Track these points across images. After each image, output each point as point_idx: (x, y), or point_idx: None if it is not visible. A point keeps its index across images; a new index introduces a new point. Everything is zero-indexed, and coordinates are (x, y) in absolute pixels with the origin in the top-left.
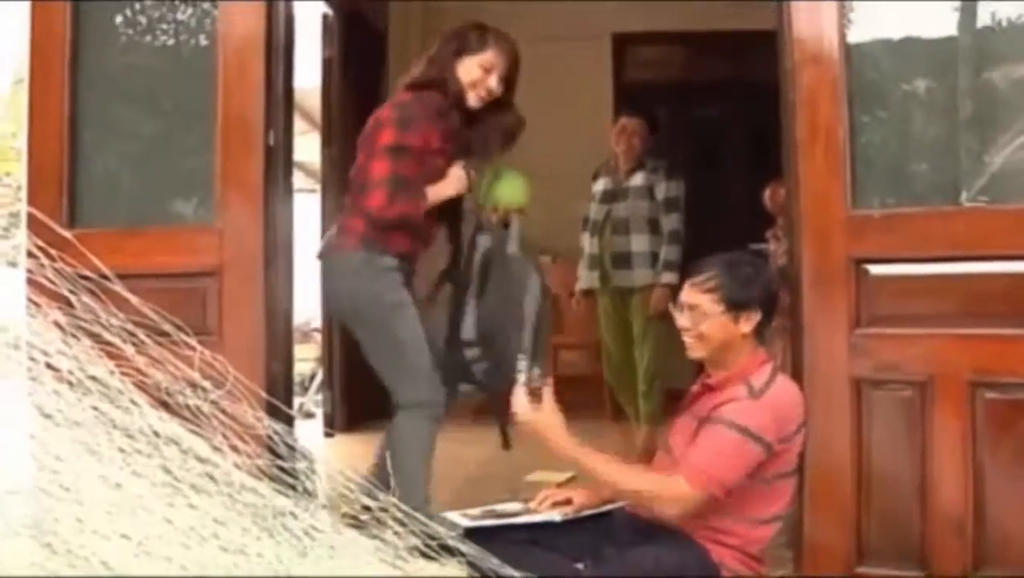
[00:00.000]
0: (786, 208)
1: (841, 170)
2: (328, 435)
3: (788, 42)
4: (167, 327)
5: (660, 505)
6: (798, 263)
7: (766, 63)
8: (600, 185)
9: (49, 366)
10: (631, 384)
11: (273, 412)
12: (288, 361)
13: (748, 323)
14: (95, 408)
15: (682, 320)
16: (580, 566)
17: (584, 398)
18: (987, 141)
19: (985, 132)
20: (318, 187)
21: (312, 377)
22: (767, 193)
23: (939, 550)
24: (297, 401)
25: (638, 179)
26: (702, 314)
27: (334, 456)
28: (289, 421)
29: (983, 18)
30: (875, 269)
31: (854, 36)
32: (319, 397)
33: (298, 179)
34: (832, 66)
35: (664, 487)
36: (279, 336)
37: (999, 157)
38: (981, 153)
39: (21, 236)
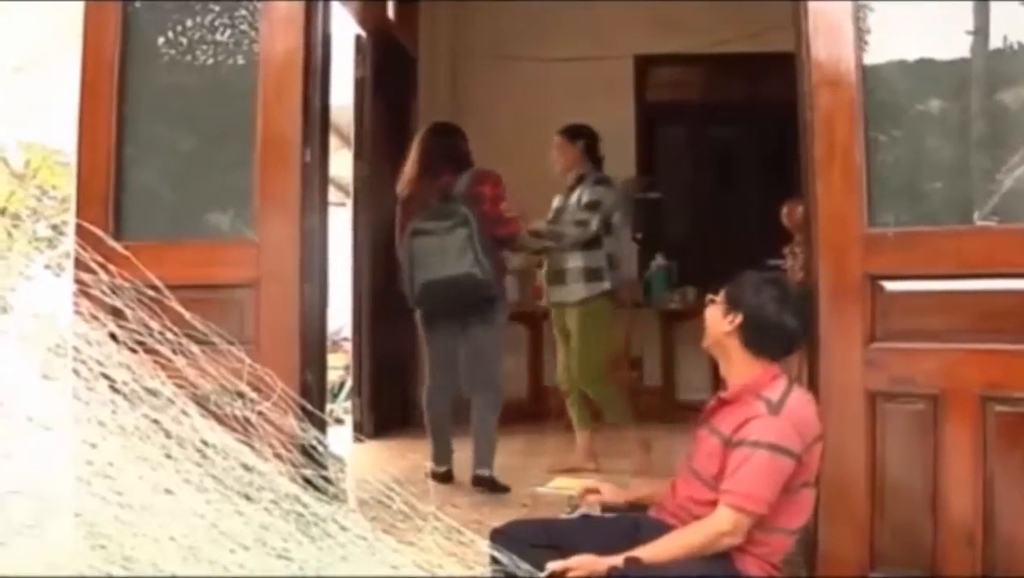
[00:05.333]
0: (803, 225)
1: (857, 189)
2: (358, 441)
3: (806, 65)
4: (214, 337)
5: (718, 544)
6: (815, 279)
7: (784, 85)
8: (555, 203)
9: (105, 376)
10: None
11: (306, 418)
12: (322, 370)
13: (730, 323)
14: (145, 415)
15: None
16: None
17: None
18: (998, 161)
19: (996, 153)
20: (349, 201)
21: (341, 385)
22: (784, 210)
23: (949, 558)
24: (327, 408)
25: (575, 195)
26: (711, 303)
27: (364, 462)
28: (322, 427)
29: (995, 41)
30: (890, 285)
31: (870, 58)
32: (347, 404)
33: (330, 193)
34: (849, 88)
35: (713, 528)
36: (313, 346)
37: (1010, 177)
38: (993, 173)
39: (68, 246)
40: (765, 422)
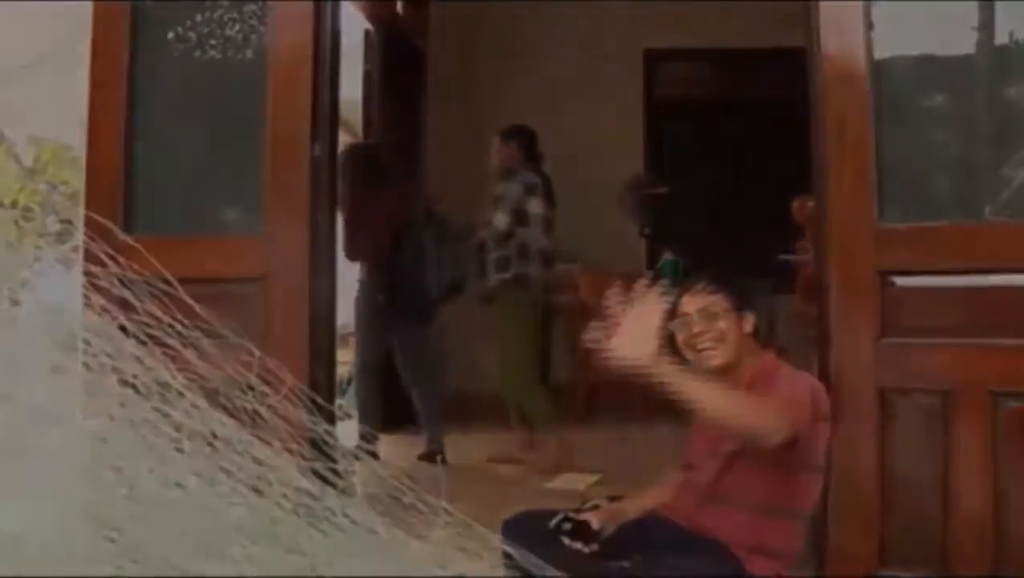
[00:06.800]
0: (814, 221)
1: (868, 185)
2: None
3: (817, 60)
4: (223, 331)
5: (760, 424)
6: (826, 275)
7: (794, 80)
8: None
9: (115, 369)
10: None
11: (316, 412)
12: (331, 365)
13: (748, 323)
14: (156, 408)
15: (696, 326)
16: (626, 564)
17: (613, 402)
18: (1010, 157)
19: (1007, 148)
20: None
21: (349, 380)
22: (794, 206)
23: (960, 555)
24: (336, 402)
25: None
26: (715, 313)
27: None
28: (331, 421)
29: (1004, 37)
30: (901, 281)
31: (881, 54)
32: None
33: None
34: (860, 84)
35: (765, 407)
36: (322, 341)
37: (1022, 172)
38: (1004, 168)
39: (78, 240)
40: (787, 374)
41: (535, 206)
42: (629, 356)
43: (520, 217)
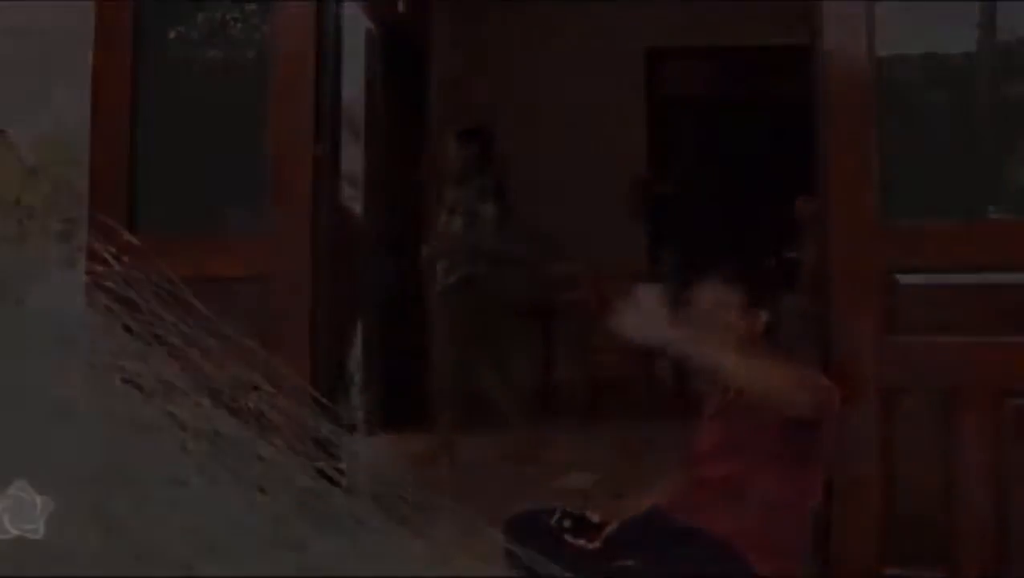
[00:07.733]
0: (818, 219)
1: (871, 181)
2: (370, 434)
3: (820, 57)
4: (227, 330)
5: (786, 388)
6: (829, 272)
7: (798, 77)
8: None
9: (119, 368)
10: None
11: (320, 411)
12: (335, 364)
13: (760, 322)
14: (161, 408)
15: (707, 319)
16: (630, 563)
17: (618, 400)
18: (1014, 154)
19: (1012, 145)
20: (359, 195)
21: (352, 378)
22: (798, 204)
23: (964, 554)
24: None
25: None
26: (725, 306)
27: (377, 455)
28: (336, 420)
29: (1007, 34)
30: (905, 279)
31: (884, 50)
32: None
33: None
34: (863, 80)
35: (792, 374)
36: (326, 340)
37: None
38: (1009, 166)
39: (81, 239)
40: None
41: (487, 210)
42: (637, 335)
43: (472, 220)
